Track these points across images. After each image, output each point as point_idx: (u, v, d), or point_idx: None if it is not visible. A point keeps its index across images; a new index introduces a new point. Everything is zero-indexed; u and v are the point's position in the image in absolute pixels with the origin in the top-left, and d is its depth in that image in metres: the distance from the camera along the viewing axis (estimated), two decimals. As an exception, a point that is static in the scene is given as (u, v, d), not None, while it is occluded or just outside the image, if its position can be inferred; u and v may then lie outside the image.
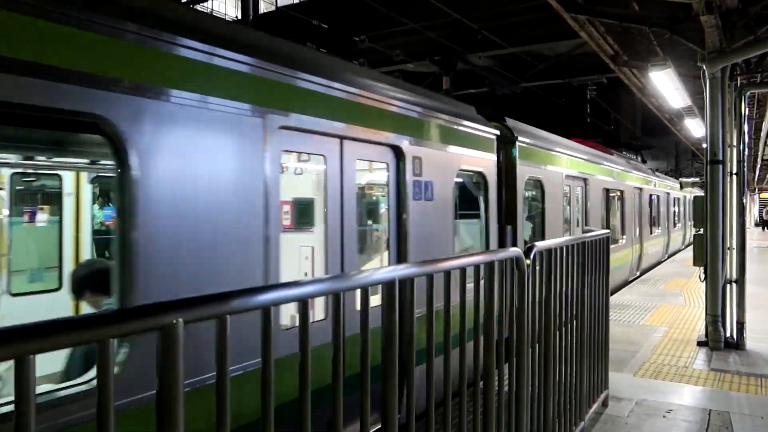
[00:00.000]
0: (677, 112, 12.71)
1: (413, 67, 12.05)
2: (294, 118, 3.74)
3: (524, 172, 7.34)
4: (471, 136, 6.05)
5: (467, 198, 6.69)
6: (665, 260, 18.11)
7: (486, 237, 6.46)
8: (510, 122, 7.32)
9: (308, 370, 1.69)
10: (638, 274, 14.34)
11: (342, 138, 4.24)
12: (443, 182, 5.43)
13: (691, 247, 8.52)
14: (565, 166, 9.00)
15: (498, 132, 6.66)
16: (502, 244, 6.66)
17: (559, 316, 3.64)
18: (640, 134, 23.13)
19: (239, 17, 14.03)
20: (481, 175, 6.36)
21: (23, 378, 1.04)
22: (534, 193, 8.27)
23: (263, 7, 13.34)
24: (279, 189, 3.60)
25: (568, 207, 9.60)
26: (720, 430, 4.56)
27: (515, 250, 2.99)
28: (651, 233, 16.19)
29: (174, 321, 1.27)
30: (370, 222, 5.70)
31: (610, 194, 12.23)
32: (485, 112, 6.81)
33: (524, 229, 7.55)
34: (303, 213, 5.07)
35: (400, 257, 4.79)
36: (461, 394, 2.62)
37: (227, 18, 14.23)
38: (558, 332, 3.64)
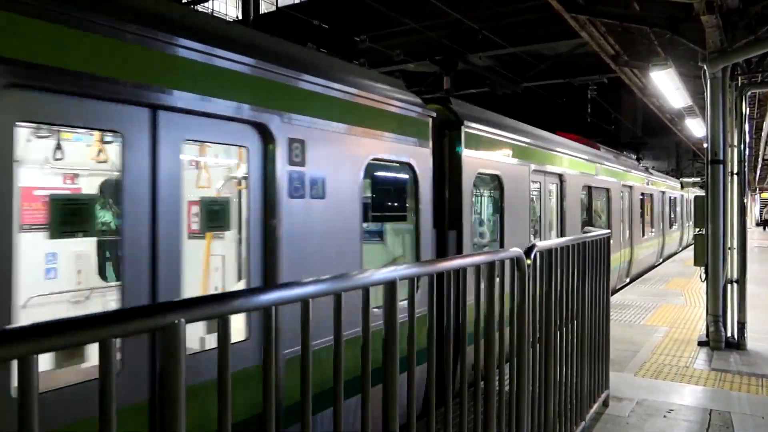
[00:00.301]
0: (678, 112, 12.71)
1: (413, 67, 12.08)
2: (43, 73, 2.46)
3: (474, 164, 5.99)
4: (391, 117, 4.71)
5: (393, 197, 5.52)
6: (660, 264, 17.40)
7: (416, 246, 5.06)
8: (456, 104, 6.04)
9: (309, 371, 1.69)
10: (628, 280, 13.27)
11: (156, 108, 2.95)
12: (343, 175, 4.16)
13: (688, 248, 8.48)
14: (532, 159, 7.55)
15: (433, 114, 5.28)
16: (441, 254, 5.45)
17: (559, 316, 3.64)
18: (640, 134, 23.14)
19: (240, 17, 14.05)
20: (408, 167, 4.99)
21: (25, 378, 1.05)
22: (489, 191, 7.20)
23: (264, 8, 13.36)
24: (11, 182, 2.41)
25: (538, 207, 8.27)
26: (721, 429, 4.56)
27: (516, 250, 3.00)
28: (643, 235, 14.86)
29: (175, 321, 1.27)
30: (213, 231, 4.29)
31: (594, 193, 10.81)
32: (427, 94, 6.02)
33: (475, 234, 6.36)
34: (70, 217, 3.41)
35: (268, 277, 3.52)
36: (462, 394, 2.63)
37: (228, 18, 14.24)
38: (558, 332, 3.65)
